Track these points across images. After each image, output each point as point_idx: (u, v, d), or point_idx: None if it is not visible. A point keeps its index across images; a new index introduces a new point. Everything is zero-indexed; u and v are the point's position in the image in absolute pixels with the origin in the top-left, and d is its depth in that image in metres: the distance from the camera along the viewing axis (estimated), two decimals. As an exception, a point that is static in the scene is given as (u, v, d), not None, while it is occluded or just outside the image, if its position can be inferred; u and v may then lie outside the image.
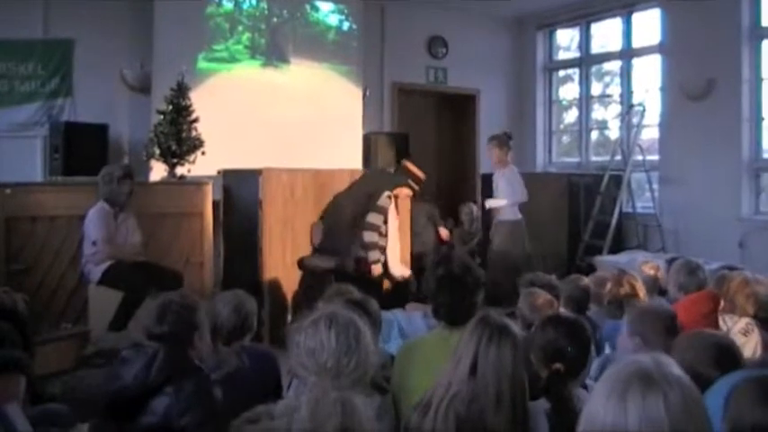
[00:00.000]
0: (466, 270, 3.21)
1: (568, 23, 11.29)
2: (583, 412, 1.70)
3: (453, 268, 3.21)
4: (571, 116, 11.70)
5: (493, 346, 2.52)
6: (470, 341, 2.54)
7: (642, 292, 4.52)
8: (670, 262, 5.69)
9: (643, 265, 5.55)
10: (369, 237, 6.81)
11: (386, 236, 6.99)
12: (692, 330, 3.18)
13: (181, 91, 7.09)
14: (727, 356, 2.82)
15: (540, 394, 2.69)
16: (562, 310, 4.24)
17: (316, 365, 2.28)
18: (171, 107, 7.05)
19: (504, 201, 7.70)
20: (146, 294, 5.53)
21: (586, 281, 4.81)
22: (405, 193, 7.27)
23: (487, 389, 2.45)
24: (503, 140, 7.80)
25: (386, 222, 6.96)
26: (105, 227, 5.77)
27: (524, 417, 2.53)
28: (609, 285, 4.56)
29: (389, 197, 6.98)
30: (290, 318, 6.87)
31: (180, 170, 7.07)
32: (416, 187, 7.31)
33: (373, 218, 6.86)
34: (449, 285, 3.17)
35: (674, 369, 1.64)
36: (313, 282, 6.82)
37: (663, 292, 5.04)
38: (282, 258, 6.99)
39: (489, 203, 7.86)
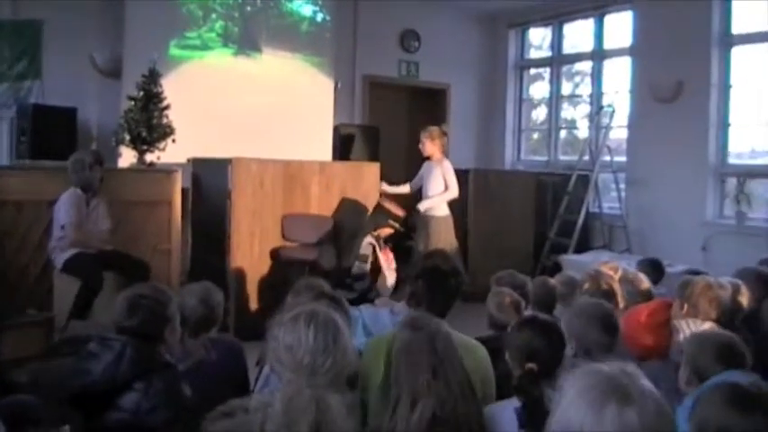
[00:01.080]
0: (453, 272, 3.25)
1: (541, 23, 11.36)
2: (554, 416, 1.73)
3: (442, 265, 3.24)
4: (540, 115, 11.77)
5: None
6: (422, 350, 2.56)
7: (620, 292, 4.54)
8: (641, 263, 5.75)
9: (602, 266, 5.55)
10: (359, 285, 6.91)
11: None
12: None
13: (152, 78, 7.03)
14: (729, 352, 2.92)
15: (512, 393, 2.73)
16: (528, 311, 4.26)
17: (292, 362, 2.29)
18: (142, 93, 6.99)
19: (447, 196, 7.57)
20: (102, 284, 5.56)
21: (553, 282, 4.85)
22: (385, 232, 7.26)
23: (452, 387, 2.48)
24: (434, 134, 7.71)
25: (375, 260, 7.06)
26: (76, 212, 5.74)
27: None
28: (586, 285, 4.58)
29: (370, 244, 7.05)
30: (255, 307, 6.89)
31: (149, 157, 7.02)
32: (396, 225, 7.31)
33: (358, 268, 6.95)
34: (431, 279, 3.21)
35: (645, 381, 1.69)
36: (285, 273, 6.83)
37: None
38: (250, 249, 6.99)
39: (425, 205, 7.52)
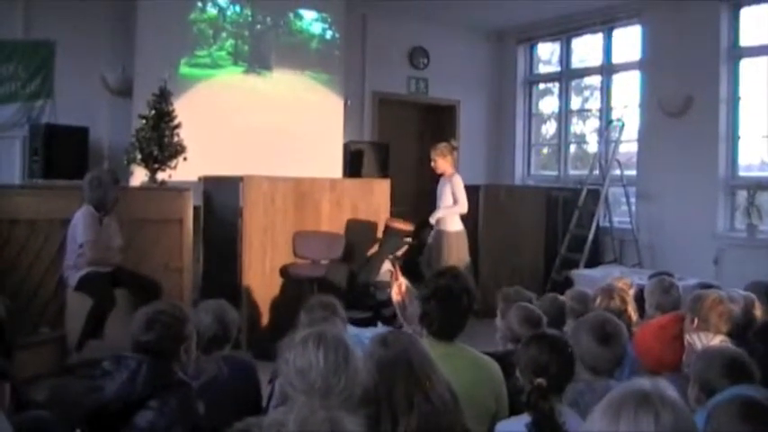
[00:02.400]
0: (465, 291, 3.22)
1: (549, 38, 11.38)
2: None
3: (453, 284, 3.23)
4: (550, 129, 11.78)
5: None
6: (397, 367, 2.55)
7: (632, 305, 4.54)
8: (652, 277, 5.73)
9: (616, 282, 5.54)
10: (387, 312, 6.86)
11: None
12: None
13: (163, 96, 7.08)
14: (736, 367, 2.91)
15: (524, 409, 2.73)
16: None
17: (304, 385, 2.27)
18: (153, 112, 7.03)
19: (455, 210, 7.50)
20: (114, 303, 5.57)
21: (561, 298, 4.85)
22: (401, 252, 7.22)
23: (432, 400, 2.48)
24: (445, 150, 7.70)
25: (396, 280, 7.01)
26: (93, 231, 5.74)
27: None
28: (599, 299, 4.58)
29: (389, 270, 6.97)
30: (267, 324, 6.90)
31: (161, 176, 7.05)
32: (410, 239, 7.27)
33: (384, 294, 6.87)
34: (443, 299, 3.19)
35: (671, 392, 1.67)
36: (297, 290, 6.85)
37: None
38: (262, 266, 7.01)
39: (433, 217, 7.50)
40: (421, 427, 2.40)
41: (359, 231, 7.59)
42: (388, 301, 6.91)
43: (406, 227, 7.23)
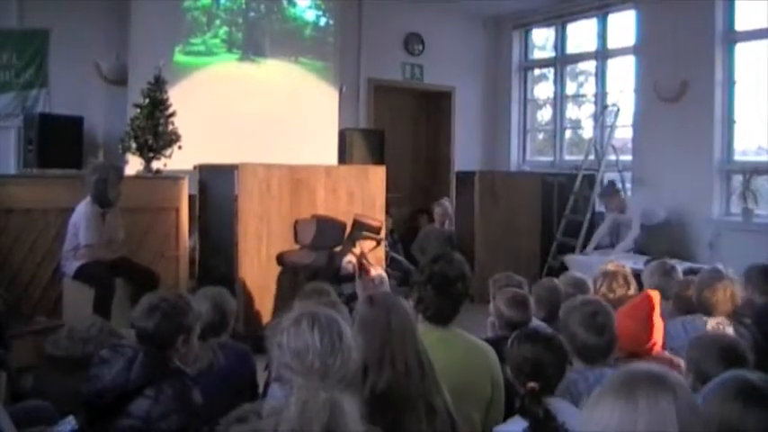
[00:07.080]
0: (460, 277, 3.21)
1: (544, 23, 11.35)
2: (582, 413, 1.71)
3: (449, 270, 3.22)
4: (545, 115, 11.77)
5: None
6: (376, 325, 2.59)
7: (634, 287, 4.54)
8: (648, 262, 5.74)
9: (608, 265, 5.52)
10: (347, 289, 6.82)
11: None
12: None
13: (158, 85, 7.07)
14: (731, 353, 2.92)
15: (517, 412, 2.70)
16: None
17: (302, 367, 2.27)
18: (148, 101, 7.02)
19: None
20: (114, 289, 5.57)
21: (557, 282, 4.84)
22: (368, 247, 7.13)
23: (397, 366, 2.49)
24: None
25: (362, 275, 6.93)
26: (96, 233, 5.72)
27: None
28: (599, 282, 4.57)
29: (350, 262, 6.91)
30: (264, 311, 6.89)
31: (156, 164, 7.05)
32: (376, 236, 7.19)
33: (347, 288, 6.84)
34: (438, 284, 3.19)
35: (677, 375, 1.68)
36: (292, 278, 6.83)
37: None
38: (257, 254, 6.99)
39: None
40: (384, 390, 2.44)
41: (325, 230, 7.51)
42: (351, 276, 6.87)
43: (373, 222, 7.19)
